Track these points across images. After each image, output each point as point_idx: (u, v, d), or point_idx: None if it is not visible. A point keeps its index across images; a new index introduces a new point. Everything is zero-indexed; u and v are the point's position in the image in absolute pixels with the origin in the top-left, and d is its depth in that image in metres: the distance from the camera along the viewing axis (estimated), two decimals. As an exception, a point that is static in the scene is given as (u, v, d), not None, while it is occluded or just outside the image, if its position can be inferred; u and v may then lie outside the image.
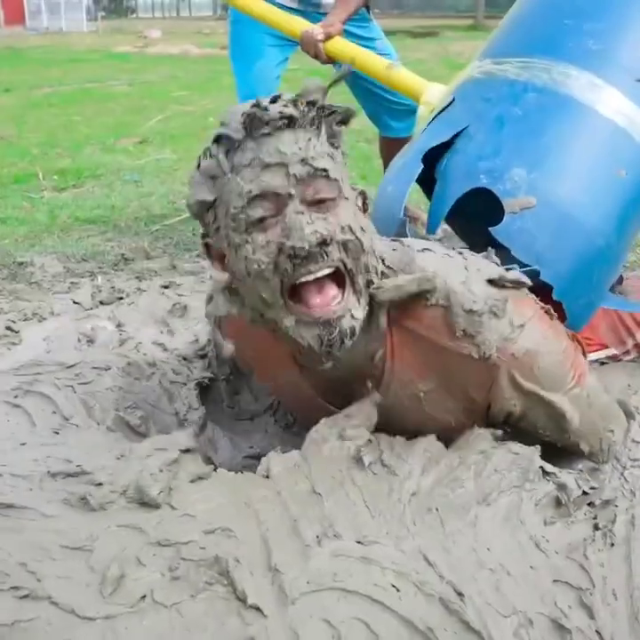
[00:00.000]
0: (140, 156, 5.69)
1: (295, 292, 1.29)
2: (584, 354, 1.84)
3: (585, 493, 1.36)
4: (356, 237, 1.28)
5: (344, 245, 1.27)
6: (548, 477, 1.34)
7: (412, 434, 1.46)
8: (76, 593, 1.06)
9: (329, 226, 1.25)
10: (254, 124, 1.23)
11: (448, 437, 1.48)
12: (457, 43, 22.10)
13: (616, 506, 1.34)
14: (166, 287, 2.74)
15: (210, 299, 1.68)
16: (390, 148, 3.71)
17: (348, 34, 3.20)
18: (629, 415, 1.60)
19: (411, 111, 3.55)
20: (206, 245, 1.39)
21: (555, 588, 1.14)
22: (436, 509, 1.24)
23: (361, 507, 1.23)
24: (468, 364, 1.38)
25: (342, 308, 1.29)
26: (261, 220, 1.25)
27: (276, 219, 1.25)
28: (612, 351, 2.06)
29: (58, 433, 1.45)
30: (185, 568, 1.09)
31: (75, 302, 2.47)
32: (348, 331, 1.29)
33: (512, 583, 1.13)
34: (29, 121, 7.55)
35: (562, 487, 1.33)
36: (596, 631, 1.11)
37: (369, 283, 1.33)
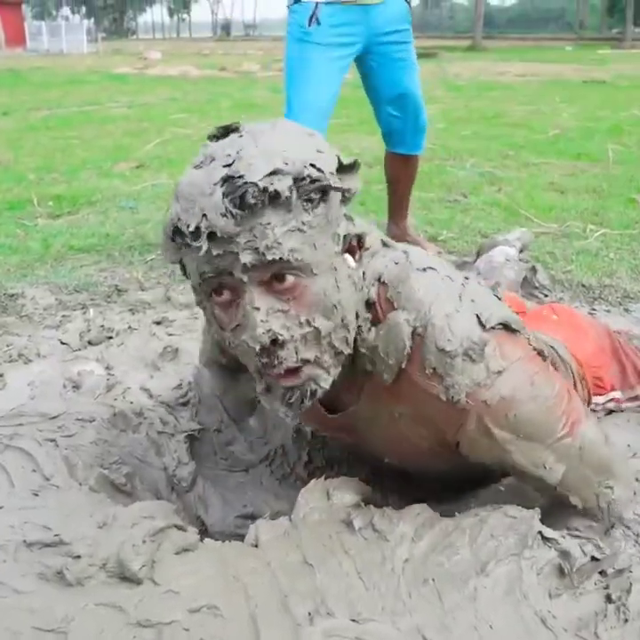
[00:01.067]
0: (137, 182, 5.64)
1: None
2: (589, 395, 1.77)
3: (594, 559, 1.28)
4: (315, 328, 1.20)
5: (303, 338, 1.20)
6: (548, 544, 1.25)
7: (391, 451, 1.42)
8: (48, 682, 0.99)
9: (288, 321, 1.18)
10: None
11: (427, 461, 1.43)
12: (455, 63, 22.27)
13: (630, 572, 1.26)
14: (159, 323, 2.67)
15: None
16: (394, 163, 3.73)
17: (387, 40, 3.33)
18: None
19: (422, 129, 3.59)
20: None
21: (563, 671, 1.06)
22: (433, 580, 1.16)
23: (354, 578, 1.16)
24: (435, 402, 1.29)
25: (306, 378, 1.23)
26: (221, 293, 1.20)
27: (236, 301, 1.19)
28: (617, 394, 1.99)
29: (37, 494, 1.37)
30: (167, 652, 1.02)
31: (62, 343, 2.39)
32: (310, 393, 1.24)
33: (517, 666, 1.06)
34: (26, 145, 7.52)
35: (565, 554, 1.25)
36: None
37: (340, 353, 1.26)
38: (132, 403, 1.76)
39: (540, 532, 1.26)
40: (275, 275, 1.17)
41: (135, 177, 5.86)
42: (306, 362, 1.22)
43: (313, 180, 1.18)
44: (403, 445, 1.41)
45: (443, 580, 1.17)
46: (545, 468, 1.33)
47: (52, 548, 1.18)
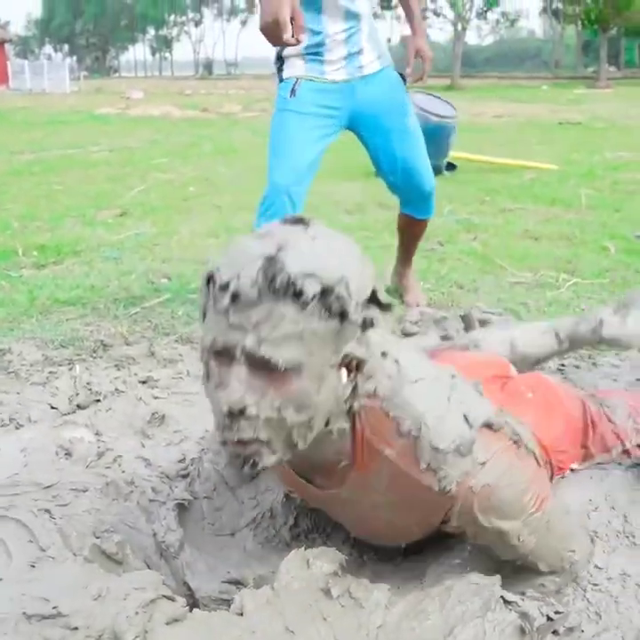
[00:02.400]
0: (120, 230, 5.74)
1: None
2: (552, 474, 1.89)
3: (549, 619, 1.38)
4: (282, 417, 1.31)
5: (267, 421, 1.31)
6: (509, 606, 1.36)
7: (364, 530, 1.62)
8: None
9: (261, 400, 1.29)
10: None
11: (398, 537, 1.61)
12: (434, 105, 22.59)
13: (582, 631, 1.36)
14: (144, 382, 2.76)
15: None
16: (402, 220, 3.90)
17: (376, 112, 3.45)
18: None
19: (427, 196, 3.70)
20: None
21: None
22: (405, 645, 1.26)
23: (331, 644, 1.25)
24: (426, 492, 1.44)
25: (252, 452, 1.35)
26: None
27: (230, 361, 1.31)
28: (575, 465, 2.07)
29: (34, 566, 1.45)
30: None
31: (52, 407, 2.47)
32: (253, 463, 1.36)
33: None
34: (11, 190, 7.63)
35: (524, 616, 1.35)
36: None
37: (294, 445, 1.37)
38: (123, 472, 1.84)
39: (502, 597, 1.36)
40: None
41: (118, 225, 5.96)
42: (258, 440, 1.33)
43: (338, 298, 1.28)
44: (377, 525, 1.56)
45: (414, 645, 1.26)
46: (519, 540, 1.49)
47: (50, 621, 1.26)
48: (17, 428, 2.33)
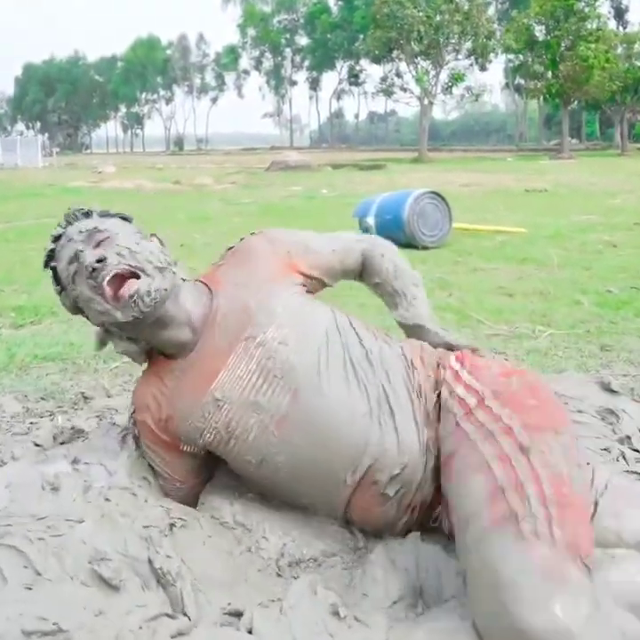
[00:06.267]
0: (98, 292, 5.74)
1: None
2: None
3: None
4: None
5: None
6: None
7: None
8: None
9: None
10: None
11: None
12: (402, 175, 23.05)
13: None
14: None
15: None
16: None
17: None
18: None
19: None
20: None
21: None
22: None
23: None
24: None
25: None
26: None
27: None
28: None
29: (31, 588, 1.41)
30: None
31: (36, 445, 2.43)
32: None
33: None
34: (-15, 258, 7.63)
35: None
36: None
37: None
38: (117, 504, 1.77)
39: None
40: None
41: (96, 287, 5.96)
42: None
43: None
44: None
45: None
46: None
47: (51, 637, 1.23)
48: (0, 465, 2.27)
